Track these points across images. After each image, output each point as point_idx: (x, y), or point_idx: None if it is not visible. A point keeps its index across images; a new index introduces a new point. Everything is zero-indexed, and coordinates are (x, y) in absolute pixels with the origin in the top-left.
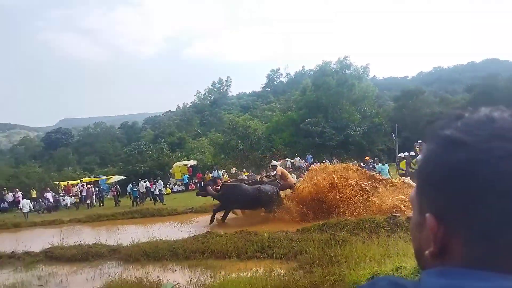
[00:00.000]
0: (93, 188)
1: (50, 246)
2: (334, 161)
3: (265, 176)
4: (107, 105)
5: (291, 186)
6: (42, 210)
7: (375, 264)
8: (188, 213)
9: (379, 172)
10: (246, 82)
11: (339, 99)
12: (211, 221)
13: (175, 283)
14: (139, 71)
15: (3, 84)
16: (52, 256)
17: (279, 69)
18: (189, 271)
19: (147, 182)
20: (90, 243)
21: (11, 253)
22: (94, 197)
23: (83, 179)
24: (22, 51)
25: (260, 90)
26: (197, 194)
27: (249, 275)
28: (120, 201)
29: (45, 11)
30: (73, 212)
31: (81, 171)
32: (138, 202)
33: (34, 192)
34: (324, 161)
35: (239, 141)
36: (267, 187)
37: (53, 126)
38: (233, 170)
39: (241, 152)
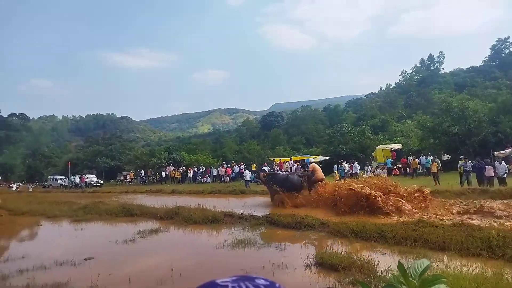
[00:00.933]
0: (300, 165)
1: (269, 212)
2: None
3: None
4: (312, 90)
5: (320, 180)
6: (259, 181)
7: None
8: None
9: None
10: (462, 57)
11: None
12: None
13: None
14: (342, 55)
15: (232, 75)
16: (271, 221)
17: (508, 38)
18: (400, 257)
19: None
20: (302, 215)
21: (241, 214)
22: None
23: (292, 157)
24: (245, 46)
25: (482, 64)
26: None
27: (473, 272)
28: None
29: (263, 7)
30: None
31: (290, 150)
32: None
33: (254, 165)
34: None
35: (453, 124)
36: (295, 177)
37: (268, 110)
38: (445, 156)
39: (456, 136)
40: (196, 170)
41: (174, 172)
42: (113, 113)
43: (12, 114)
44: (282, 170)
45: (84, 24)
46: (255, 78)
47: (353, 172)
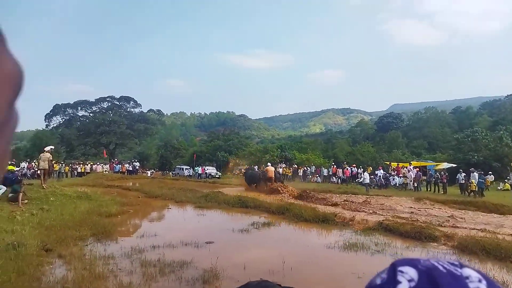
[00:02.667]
0: (420, 172)
1: (384, 219)
2: None
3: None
4: (438, 90)
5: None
6: (373, 185)
7: None
8: None
9: None
10: None
11: None
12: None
13: None
14: (476, 51)
15: (348, 74)
16: (387, 228)
17: None
18: None
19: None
20: (423, 224)
21: (352, 217)
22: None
23: (412, 162)
24: (364, 44)
25: None
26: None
27: None
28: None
29: (388, 3)
30: (402, 192)
31: (409, 154)
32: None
33: (370, 168)
34: None
35: None
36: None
37: (385, 111)
38: None
39: None
40: (306, 169)
41: (285, 169)
42: (232, 111)
43: (150, 110)
44: (400, 175)
45: (210, 29)
46: (373, 77)
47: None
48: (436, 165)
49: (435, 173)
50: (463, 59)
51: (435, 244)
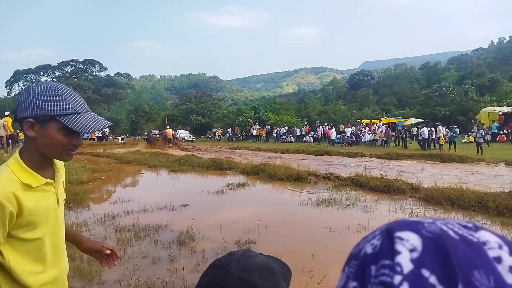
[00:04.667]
0: (389, 128)
1: (355, 174)
2: None
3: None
4: (408, 46)
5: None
6: (344, 143)
7: None
8: (492, 164)
9: None
10: None
11: None
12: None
13: None
14: (446, 5)
15: (321, 32)
16: (357, 183)
17: None
18: (502, 229)
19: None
20: (391, 178)
21: (325, 174)
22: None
23: (382, 119)
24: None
25: None
26: None
27: None
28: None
29: None
30: (372, 148)
31: (379, 111)
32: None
33: (342, 126)
34: None
35: None
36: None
37: (357, 69)
38: None
39: None
40: (279, 130)
41: (259, 130)
42: (204, 73)
43: (117, 74)
44: (369, 132)
45: None
46: (345, 35)
47: (436, 136)
48: (405, 121)
49: (403, 129)
50: (432, 14)
51: (403, 196)
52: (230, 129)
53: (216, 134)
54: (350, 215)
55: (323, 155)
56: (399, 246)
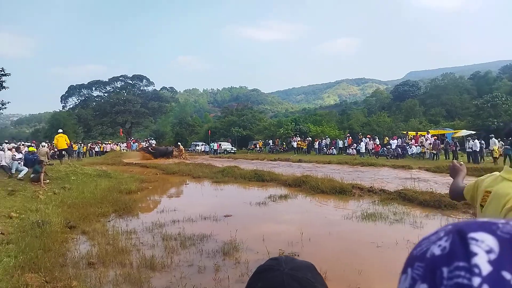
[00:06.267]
0: (438, 140)
1: (402, 188)
2: None
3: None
4: (456, 55)
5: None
6: (390, 155)
7: None
8: None
9: None
10: None
11: None
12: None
13: None
14: (495, 12)
15: (362, 42)
16: (405, 197)
17: None
18: None
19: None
20: (442, 193)
21: (370, 187)
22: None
23: (430, 131)
24: (379, 8)
25: None
26: None
27: None
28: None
29: None
30: (419, 161)
31: (426, 123)
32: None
33: (386, 138)
34: None
35: None
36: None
37: (401, 79)
38: None
39: None
40: (320, 142)
41: (300, 142)
42: (245, 86)
43: (163, 88)
44: (417, 144)
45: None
46: (388, 45)
47: (489, 149)
48: (455, 132)
49: (452, 141)
50: (481, 22)
51: (456, 212)
52: (271, 141)
53: (257, 146)
54: (398, 230)
55: (367, 167)
56: (474, 248)
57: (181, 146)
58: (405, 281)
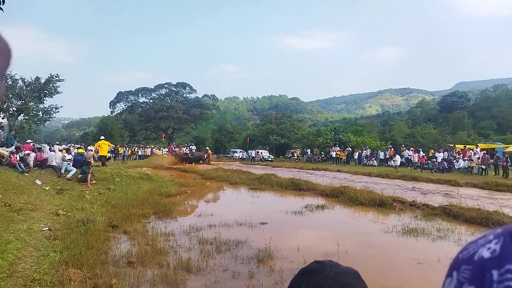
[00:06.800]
0: (488, 155)
1: (448, 203)
2: None
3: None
4: (509, 65)
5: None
6: (435, 169)
7: None
8: None
9: None
10: None
11: None
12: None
13: None
14: None
15: (407, 51)
16: (450, 213)
17: None
18: None
19: None
20: (490, 210)
21: (412, 201)
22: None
23: (479, 144)
24: (426, 17)
25: None
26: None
27: None
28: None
29: None
30: (466, 176)
31: (475, 136)
32: None
33: (431, 151)
34: None
35: None
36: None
37: (449, 90)
38: None
39: None
40: (361, 152)
41: (339, 152)
42: (284, 95)
43: (205, 95)
44: (465, 159)
45: (262, 11)
46: (436, 54)
47: None
48: (506, 147)
49: (504, 156)
50: None
51: None
52: (309, 150)
53: (295, 154)
54: (442, 247)
55: (410, 180)
56: None
57: (209, 151)
58: (450, 284)
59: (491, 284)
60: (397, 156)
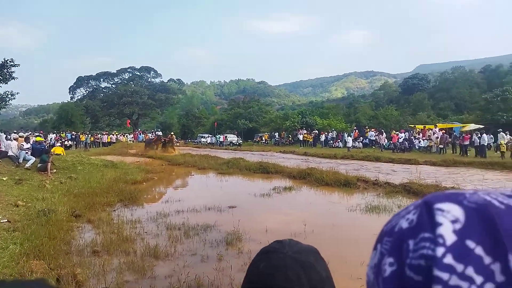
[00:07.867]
0: (446, 134)
1: (408, 181)
2: None
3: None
4: (467, 49)
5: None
6: (396, 149)
7: None
8: None
9: None
10: None
11: None
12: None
13: None
14: (509, 4)
15: (372, 35)
16: (410, 190)
17: None
18: None
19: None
20: (447, 185)
21: (375, 180)
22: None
23: (437, 125)
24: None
25: None
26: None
27: None
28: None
29: None
30: (426, 155)
31: (434, 117)
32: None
33: (393, 132)
34: None
35: None
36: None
37: (410, 72)
38: None
39: None
40: (327, 135)
41: (306, 135)
42: (252, 78)
43: (170, 80)
44: (424, 138)
45: None
46: (398, 37)
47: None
48: (463, 126)
49: (460, 135)
50: (492, 14)
51: None
52: (276, 134)
53: (263, 138)
54: None
55: (373, 161)
56: (440, 218)
57: (173, 136)
58: (374, 257)
59: (407, 254)
60: (349, 137)
